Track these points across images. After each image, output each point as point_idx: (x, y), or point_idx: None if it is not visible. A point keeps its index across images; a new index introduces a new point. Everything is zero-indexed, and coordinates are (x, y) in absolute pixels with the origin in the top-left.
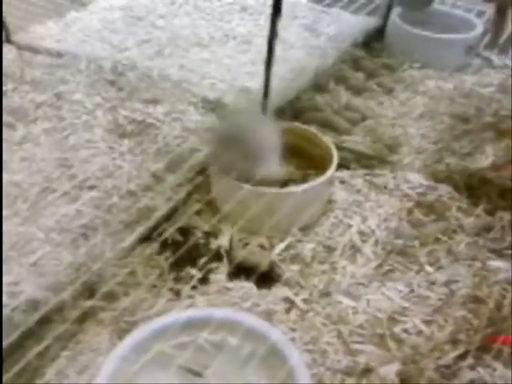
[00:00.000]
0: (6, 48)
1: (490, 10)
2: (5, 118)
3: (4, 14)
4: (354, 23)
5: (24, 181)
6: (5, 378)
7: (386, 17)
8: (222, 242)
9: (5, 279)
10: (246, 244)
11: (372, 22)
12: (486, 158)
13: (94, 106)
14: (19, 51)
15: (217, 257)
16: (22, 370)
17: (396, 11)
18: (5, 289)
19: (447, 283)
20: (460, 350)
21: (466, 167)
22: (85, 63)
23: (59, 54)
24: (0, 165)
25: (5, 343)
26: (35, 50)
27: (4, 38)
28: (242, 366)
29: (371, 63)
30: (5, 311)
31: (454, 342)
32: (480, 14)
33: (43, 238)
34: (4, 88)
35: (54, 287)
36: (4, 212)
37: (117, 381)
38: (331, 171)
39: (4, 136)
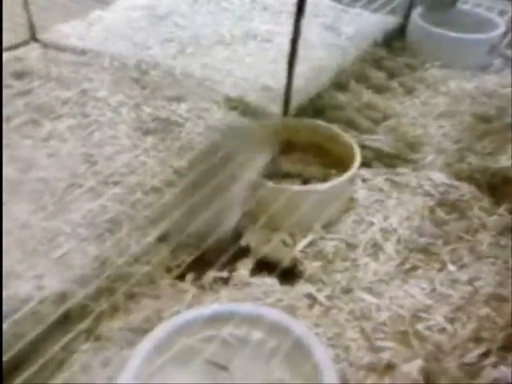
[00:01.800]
0: (31, 46)
1: None
2: (31, 114)
3: (30, 13)
4: (375, 22)
5: (50, 176)
6: (31, 369)
7: (407, 16)
8: (245, 238)
9: (32, 272)
10: (269, 240)
11: (393, 21)
12: (507, 158)
13: (118, 103)
14: (44, 49)
15: (240, 253)
16: (47, 361)
17: (417, 10)
18: (32, 282)
19: (470, 281)
20: (483, 348)
21: (488, 167)
22: (108, 61)
23: (83, 52)
24: (0, 161)
25: (32, 335)
26: (60, 48)
27: (30, 37)
28: (267, 360)
29: (392, 62)
30: (32, 304)
31: (477, 340)
32: (502, 12)
33: (69, 233)
34: (30, 85)
35: (80, 281)
36: (31, 207)
37: (143, 373)
38: (354, 170)
39: (30, 133)
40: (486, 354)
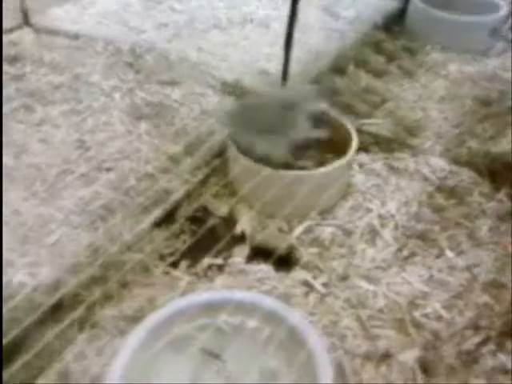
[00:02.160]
0: (24, 31)
1: None
2: (23, 99)
3: None
4: (374, 5)
5: (42, 162)
6: (25, 358)
7: None
8: (240, 224)
9: (24, 260)
10: (265, 227)
11: (392, 4)
12: (508, 142)
13: (112, 88)
14: (37, 34)
15: (235, 239)
16: (41, 350)
17: None
18: (25, 269)
19: (468, 268)
20: (481, 336)
21: (489, 151)
22: (102, 45)
23: (76, 36)
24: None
25: (25, 323)
26: (53, 33)
27: (22, 21)
28: (262, 349)
29: (392, 46)
30: (25, 291)
31: (475, 327)
32: None
33: (62, 220)
34: (23, 70)
35: (73, 269)
36: (23, 193)
37: (137, 361)
38: (351, 155)
39: (22, 118)
40: (484, 342)
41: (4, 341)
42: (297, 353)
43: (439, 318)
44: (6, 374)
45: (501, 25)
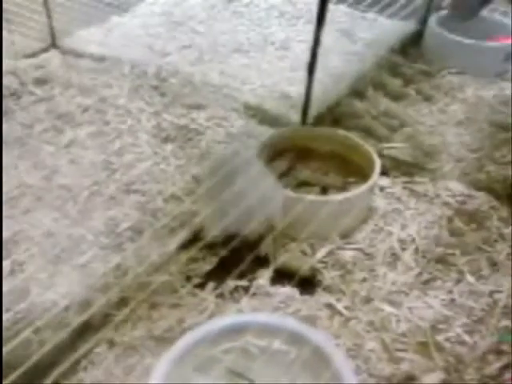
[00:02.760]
0: (51, 53)
1: None
2: (53, 121)
3: (50, 19)
4: (391, 28)
5: (72, 184)
6: (54, 375)
7: (424, 22)
8: (263, 246)
9: (56, 280)
10: (288, 250)
11: (409, 26)
12: None
13: (138, 110)
14: (64, 56)
15: (259, 262)
16: (70, 368)
17: (434, 16)
18: (56, 289)
19: (489, 293)
20: (504, 361)
21: (507, 176)
22: (128, 68)
23: (102, 59)
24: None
25: (56, 341)
26: (80, 55)
27: (50, 43)
28: (288, 370)
29: (409, 69)
30: (56, 310)
31: (498, 352)
32: None
33: (92, 241)
34: (51, 92)
35: (102, 289)
36: (54, 214)
37: (168, 382)
38: (374, 179)
39: (52, 139)
40: (506, 366)
41: (34, 359)
42: (322, 373)
43: (462, 342)
44: None
45: None
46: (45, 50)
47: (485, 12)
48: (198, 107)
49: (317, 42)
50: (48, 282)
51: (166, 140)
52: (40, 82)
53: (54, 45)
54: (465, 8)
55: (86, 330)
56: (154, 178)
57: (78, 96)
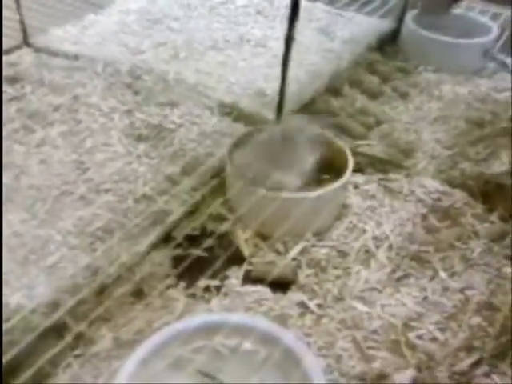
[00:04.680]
0: (24, 51)
1: None
2: (23, 120)
3: (22, 17)
4: (368, 26)
5: (42, 183)
6: (21, 380)
7: (401, 20)
8: (236, 245)
9: (22, 281)
10: (261, 248)
11: (386, 24)
12: (500, 164)
13: (111, 109)
14: (37, 54)
15: (231, 261)
16: (36, 372)
17: (410, 14)
18: (22, 291)
19: (462, 290)
20: (475, 357)
21: (482, 173)
22: (101, 66)
23: (76, 57)
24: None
25: (22, 345)
26: (53, 53)
27: (22, 41)
28: (257, 370)
29: (386, 67)
30: (22, 313)
31: (469, 348)
32: (495, 16)
33: (61, 241)
34: (22, 91)
35: (71, 290)
36: (23, 215)
37: (136, 382)
38: (347, 176)
39: (23, 139)
40: (477, 363)
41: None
42: (292, 373)
43: (433, 339)
44: None
45: (492, 46)
46: (16, 48)
47: (462, 10)
48: (172, 105)
49: (290, 37)
50: (15, 283)
51: (139, 139)
52: (11, 80)
53: (26, 43)
54: (434, 4)
55: (53, 333)
56: (125, 178)
57: (50, 95)
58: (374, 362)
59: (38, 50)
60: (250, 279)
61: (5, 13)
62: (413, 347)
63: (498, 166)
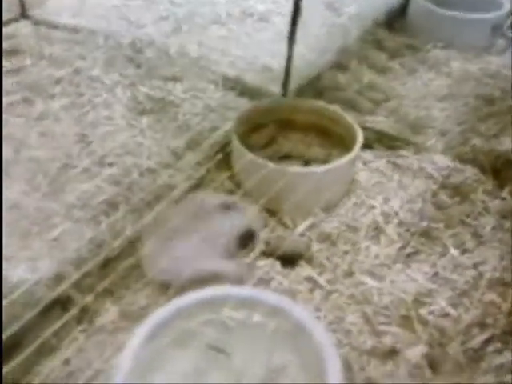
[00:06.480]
0: (22, 23)
1: None
2: (23, 93)
3: None
4: (376, 1)
5: (43, 156)
6: (26, 353)
7: None
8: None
9: (25, 254)
10: (269, 222)
11: (394, 0)
12: (511, 140)
13: (113, 82)
14: (36, 26)
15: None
16: (42, 344)
17: None
18: (26, 263)
19: (474, 266)
20: (487, 334)
21: (492, 149)
22: (102, 39)
23: (76, 30)
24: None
25: (25, 318)
26: (52, 25)
27: (20, 13)
28: (266, 343)
29: (393, 43)
30: (25, 286)
31: (482, 325)
32: None
33: (64, 214)
34: (22, 63)
35: (75, 263)
36: (24, 187)
37: (142, 356)
38: (355, 152)
39: (22, 111)
40: (489, 340)
41: (4, 335)
42: (303, 347)
43: (445, 315)
44: (6, 369)
45: (503, 22)
46: (15, 20)
47: None
48: (175, 79)
49: (296, 12)
50: (17, 256)
51: (142, 112)
52: (10, 52)
53: (24, 15)
54: None
55: (57, 306)
56: (129, 151)
57: (50, 67)
58: (384, 337)
59: (36, 23)
60: (259, 253)
61: None
62: (424, 323)
63: (508, 142)
